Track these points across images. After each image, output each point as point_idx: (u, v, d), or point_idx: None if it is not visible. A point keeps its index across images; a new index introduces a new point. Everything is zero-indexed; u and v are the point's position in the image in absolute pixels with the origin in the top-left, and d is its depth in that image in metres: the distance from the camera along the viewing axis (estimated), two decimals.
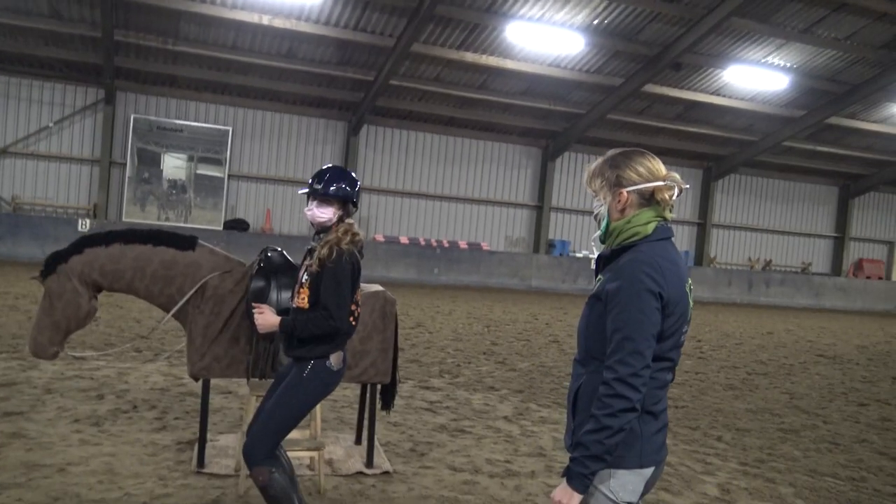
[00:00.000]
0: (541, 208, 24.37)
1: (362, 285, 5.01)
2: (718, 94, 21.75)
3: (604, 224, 2.43)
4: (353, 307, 3.72)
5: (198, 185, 20.68)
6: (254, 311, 3.68)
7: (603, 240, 2.45)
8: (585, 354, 2.40)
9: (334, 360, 3.60)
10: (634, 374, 2.18)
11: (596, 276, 2.47)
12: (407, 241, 22.34)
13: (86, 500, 4.16)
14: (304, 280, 3.67)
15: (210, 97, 20.75)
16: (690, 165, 25.88)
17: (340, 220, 3.69)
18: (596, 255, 2.47)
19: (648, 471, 2.34)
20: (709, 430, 7.02)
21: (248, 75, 19.79)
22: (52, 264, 4.54)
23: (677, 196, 2.40)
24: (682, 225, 26.19)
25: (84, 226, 18.33)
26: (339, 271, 3.56)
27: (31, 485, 4.33)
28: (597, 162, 2.46)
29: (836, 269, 28.62)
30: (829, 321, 20.61)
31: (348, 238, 3.62)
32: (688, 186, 2.45)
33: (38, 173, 19.69)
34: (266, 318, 3.61)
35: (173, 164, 20.46)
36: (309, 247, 3.82)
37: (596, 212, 2.47)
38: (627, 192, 2.35)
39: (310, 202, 3.71)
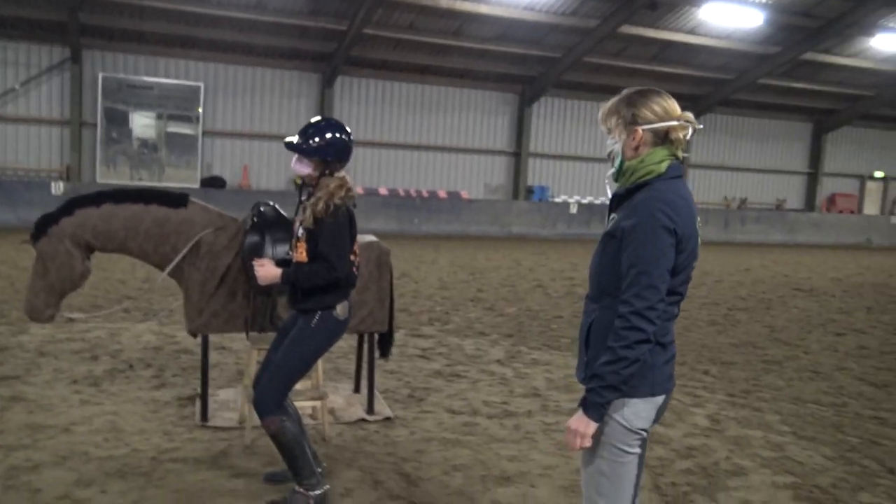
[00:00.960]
0: (519, 154, 24.32)
1: None
2: (694, 34, 21.61)
3: (618, 161, 2.47)
4: (353, 257, 3.76)
5: (169, 143, 20.33)
6: (254, 264, 3.70)
7: (616, 178, 2.49)
8: (598, 290, 2.47)
9: (340, 309, 3.66)
10: (650, 308, 2.25)
11: (609, 214, 2.52)
12: (386, 193, 22.27)
13: (94, 458, 4.23)
14: (300, 234, 3.69)
15: (180, 52, 20.25)
16: None
17: (323, 174, 3.69)
18: (610, 194, 2.52)
19: (659, 399, 2.44)
20: (695, 364, 7.22)
21: (218, 28, 19.31)
22: (43, 227, 4.51)
23: (691, 136, 2.45)
24: None
25: (58, 189, 18.01)
26: (335, 224, 3.58)
27: (38, 445, 4.38)
28: (612, 100, 2.48)
29: (810, 204, 29.03)
30: (804, 256, 21.01)
31: (342, 192, 3.64)
32: (701, 126, 2.50)
33: (6, 137, 19.20)
34: (267, 270, 3.64)
35: (142, 123, 20.04)
36: (301, 199, 3.84)
37: (609, 150, 2.51)
38: (643, 130, 2.39)
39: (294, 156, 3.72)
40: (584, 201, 24.36)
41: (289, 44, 20.26)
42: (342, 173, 3.75)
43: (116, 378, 5.86)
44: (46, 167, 19.56)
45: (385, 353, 5.33)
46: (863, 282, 15.06)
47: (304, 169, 3.68)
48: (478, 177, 24.24)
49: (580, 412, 2.35)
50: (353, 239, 3.71)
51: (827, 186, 29.43)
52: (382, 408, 5.29)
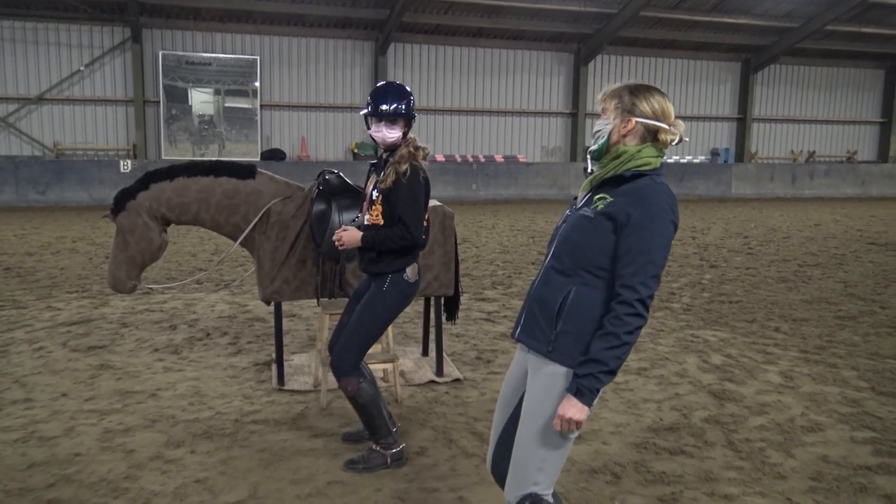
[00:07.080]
0: (576, 115, 23.94)
1: None
2: None
3: (601, 142, 2.46)
4: (425, 222, 3.83)
5: (228, 118, 20.69)
6: (338, 231, 3.76)
7: (596, 156, 2.48)
8: (573, 264, 2.41)
9: (410, 272, 3.73)
10: (651, 296, 2.29)
11: (588, 191, 2.48)
12: (443, 159, 22.26)
13: (181, 421, 4.43)
14: (374, 197, 3.74)
15: (235, 27, 20.51)
16: (727, 59, 25.05)
17: (404, 136, 3.75)
18: (590, 169, 2.50)
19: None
20: (766, 321, 7.08)
21: (272, 1, 19.48)
22: (122, 201, 4.70)
23: (676, 143, 2.44)
24: (721, 121, 25.56)
25: (126, 167, 18.60)
26: (415, 187, 3.64)
27: (128, 410, 4.61)
28: (619, 84, 2.50)
29: (883, 155, 27.80)
30: (878, 209, 20.22)
31: (422, 153, 3.72)
32: (687, 139, 2.50)
33: (75, 118, 19.89)
34: (350, 234, 3.70)
35: (201, 100, 20.43)
36: (374, 163, 3.90)
37: (598, 129, 2.50)
38: (637, 121, 2.40)
39: (376, 123, 3.73)
40: None
41: (341, 13, 20.29)
42: (411, 135, 3.82)
43: (195, 346, 6.10)
44: (114, 146, 20.19)
45: (452, 317, 5.40)
46: None
47: (394, 134, 3.72)
48: (534, 140, 24.00)
49: (570, 398, 2.31)
50: (426, 204, 3.76)
51: None
52: (451, 370, 5.38)
